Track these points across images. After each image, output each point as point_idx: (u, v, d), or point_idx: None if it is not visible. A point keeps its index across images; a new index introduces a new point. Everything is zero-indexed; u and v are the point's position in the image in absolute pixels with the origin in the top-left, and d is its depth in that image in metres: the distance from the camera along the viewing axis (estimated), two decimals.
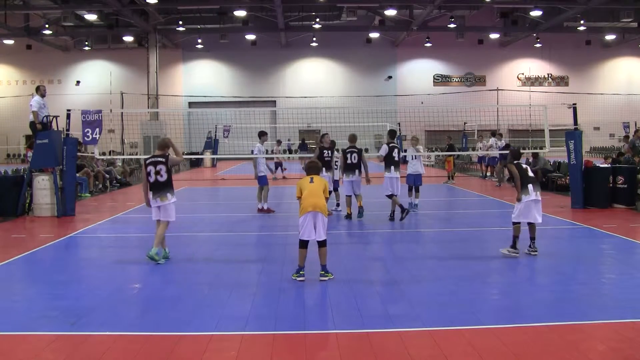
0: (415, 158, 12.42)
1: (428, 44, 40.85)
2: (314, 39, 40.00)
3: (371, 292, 6.06)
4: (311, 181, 6.61)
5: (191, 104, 41.91)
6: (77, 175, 14.56)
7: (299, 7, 35.32)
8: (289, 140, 33.04)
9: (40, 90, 12.46)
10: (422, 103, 36.76)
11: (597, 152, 36.76)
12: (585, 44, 42.38)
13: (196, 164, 32.25)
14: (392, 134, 11.59)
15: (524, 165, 7.77)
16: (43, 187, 11.98)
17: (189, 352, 4.46)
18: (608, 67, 44.88)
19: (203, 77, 43.21)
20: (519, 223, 7.59)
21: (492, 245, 7.94)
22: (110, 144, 28.21)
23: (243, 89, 42.73)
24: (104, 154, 24.03)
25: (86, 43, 40.03)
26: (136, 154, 30.86)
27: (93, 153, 18.27)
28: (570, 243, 9.12)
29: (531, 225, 7.66)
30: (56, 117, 12.56)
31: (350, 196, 11.36)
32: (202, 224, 11.61)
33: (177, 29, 37.62)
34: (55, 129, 12.55)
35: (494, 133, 21.23)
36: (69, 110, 12.67)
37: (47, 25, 35.37)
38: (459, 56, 43.41)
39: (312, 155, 13.13)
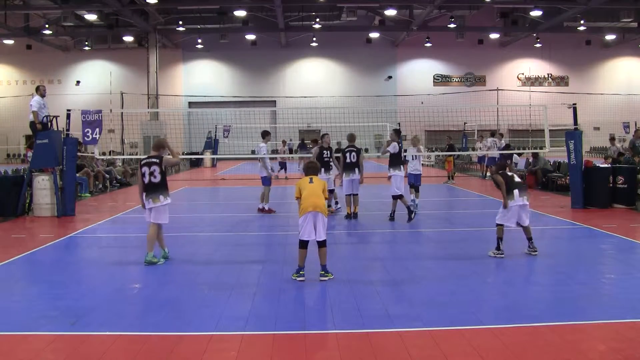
0: (416, 158, 12.44)
1: (428, 44, 40.87)
2: (314, 39, 40.02)
3: (371, 292, 6.05)
4: (310, 182, 6.62)
5: (191, 104, 41.92)
6: (77, 175, 14.56)
7: (299, 7, 35.33)
8: (290, 140, 33.08)
9: (40, 90, 12.45)
10: (422, 103, 36.77)
11: (597, 152, 36.76)
12: (585, 44, 42.44)
13: (196, 164, 32.25)
14: (398, 133, 11.62)
15: (510, 173, 7.84)
16: (43, 187, 11.98)
17: (189, 352, 4.46)
18: (608, 67, 44.90)
19: (203, 77, 43.23)
20: (502, 225, 7.63)
21: (492, 245, 7.92)
22: (110, 144, 28.23)
23: (243, 89, 42.74)
24: (104, 154, 24.05)
25: (86, 43, 40.05)
26: (136, 154, 30.85)
27: (93, 153, 18.29)
28: (570, 243, 9.12)
29: (524, 228, 7.70)
30: (56, 117, 12.56)
31: (350, 195, 11.36)
32: (202, 224, 11.60)
33: (177, 29, 37.65)
34: (55, 128, 12.54)
35: (493, 133, 21.23)
36: (69, 110, 12.67)
37: (47, 25, 35.39)
38: (459, 56, 43.43)
39: (311, 155, 13.12)
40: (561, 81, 44.80)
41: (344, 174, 11.32)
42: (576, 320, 5.12)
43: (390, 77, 43.96)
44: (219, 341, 4.69)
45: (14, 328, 5.05)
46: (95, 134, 12.65)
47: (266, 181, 12.14)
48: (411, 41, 41.42)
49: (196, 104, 41.75)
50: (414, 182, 12.48)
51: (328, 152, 11.91)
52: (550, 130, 13.48)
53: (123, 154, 28.04)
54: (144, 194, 7.45)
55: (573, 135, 12.40)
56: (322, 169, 11.43)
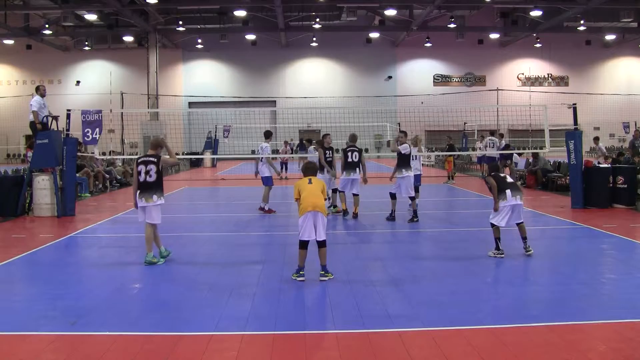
0: (416, 158, 12.44)
1: (428, 44, 40.87)
2: (314, 39, 40.02)
3: (371, 292, 6.05)
4: (310, 182, 6.61)
5: (191, 104, 41.91)
6: (77, 175, 14.56)
7: (299, 7, 35.32)
8: (291, 140, 33.11)
9: (40, 90, 12.45)
10: (422, 103, 36.77)
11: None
12: (585, 44, 42.44)
13: (196, 164, 32.25)
14: (406, 135, 11.58)
15: (502, 174, 7.87)
16: (43, 187, 11.98)
17: (189, 352, 4.46)
18: (608, 67, 44.89)
19: (203, 77, 43.23)
20: (497, 225, 7.63)
21: (492, 245, 7.93)
22: (110, 144, 28.22)
23: (243, 89, 42.74)
24: (104, 154, 24.05)
25: (86, 43, 40.05)
26: (136, 154, 30.83)
27: (93, 153, 18.30)
28: (570, 243, 9.12)
29: (519, 226, 7.71)
30: (56, 117, 12.56)
31: (344, 192, 11.36)
32: (202, 224, 11.61)
33: (177, 29, 37.64)
34: (55, 128, 12.55)
35: (493, 132, 21.23)
36: (69, 110, 12.66)
37: (47, 25, 35.38)
38: (459, 56, 43.42)
39: (310, 155, 13.11)
40: (561, 81, 44.79)
41: (345, 173, 11.32)
42: (576, 320, 5.12)
43: (390, 77, 43.95)
44: (219, 341, 4.69)
45: (14, 328, 5.05)
46: (95, 134, 12.65)
47: (268, 181, 12.15)
48: (411, 41, 41.41)
49: (196, 104, 41.74)
50: (414, 182, 12.47)
51: (330, 152, 11.91)
52: (550, 130, 13.48)
53: (123, 154, 28.05)
54: (138, 193, 7.41)
55: (573, 135, 12.41)
56: (324, 170, 11.49)
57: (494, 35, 41.31)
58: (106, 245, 9.25)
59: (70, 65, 42.98)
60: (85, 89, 40.96)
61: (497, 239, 7.66)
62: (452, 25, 36.58)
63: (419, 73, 44.08)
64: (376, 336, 4.75)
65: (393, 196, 10.95)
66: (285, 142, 25.46)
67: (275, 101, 41.85)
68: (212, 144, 32.10)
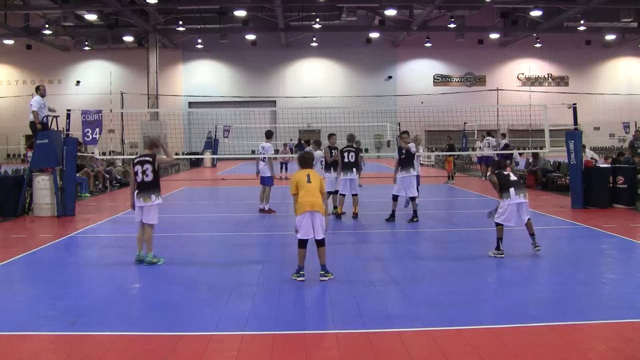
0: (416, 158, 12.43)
1: (428, 44, 40.87)
2: (314, 39, 40.02)
3: (371, 292, 6.05)
4: (308, 181, 6.50)
5: (191, 104, 41.91)
6: (77, 175, 14.56)
7: (299, 7, 35.31)
8: (290, 140, 33.13)
9: (40, 90, 12.46)
10: (422, 103, 36.77)
11: (597, 152, 36.69)
12: (585, 44, 42.44)
13: (196, 164, 32.25)
14: (408, 134, 11.54)
15: (505, 172, 7.85)
16: (43, 187, 11.98)
17: (189, 352, 4.46)
18: (608, 67, 44.88)
19: (203, 77, 43.22)
20: (502, 225, 7.62)
21: (492, 245, 7.93)
22: (110, 144, 28.23)
23: (243, 89, 42.74)
24: (104, 154, 24.05)
25: (86, 43, 40.04)
26: (136, 154, 30.81)
27: (93, 153, 18.30)
28: (570, 243, 9.12)
29: (526, 224, 7.70)
30: (56, 117, 12.56)
31: (344, 195, 11.36)
32: (202, 224, 11.61)
33: (177, 29, 37.63)
34: (55, 129, 12.55)
35: (489, 132, 21.23)
36: (69, 110, 12.66)
37: (47, 25, 35.38)
38: (459, 56, 43.42)
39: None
40: (561, 81, 44.78)
41: (342, 174, 11.32)
42: (576, 320, 5.12)
43: (390, 77, 43.95)
44: (219, 341, 4.69)
45: (14, 328, 5.05)
46: (95, 134, 12.65)
47: (269, 181, 12.15)
48: (411, 41, 41.41)
49: (196, 104, 41.73)
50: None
51: (335, 152, 11.89)
52: (550, 130, 13.48)
53: (123, 154, 28.04)
54: (135, 193, 7.41)
55: (573, 135, 12.41)
56: (332, 169, 11.48)
57: (494, 35, 41.31)
58: (106, 245, 9.25)
59: (70, 65, 42.97)
60: (85, 89, 40.96)
61: (500, 239, 7.65)
62: (452, 25, 36.58)
63: (419, 73, 44.08)
64: (376, 336, 4.75)
65: (395, 198, 10.89)
66: (285, 145, 25.47)
67: (275, 101, 41.85)
68: (212, 144, 32.11)
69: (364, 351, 4.45)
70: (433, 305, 5.59)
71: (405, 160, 10.80)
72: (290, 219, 10.99)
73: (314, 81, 43.04)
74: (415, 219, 10.73)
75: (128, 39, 38.60)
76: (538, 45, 41.60)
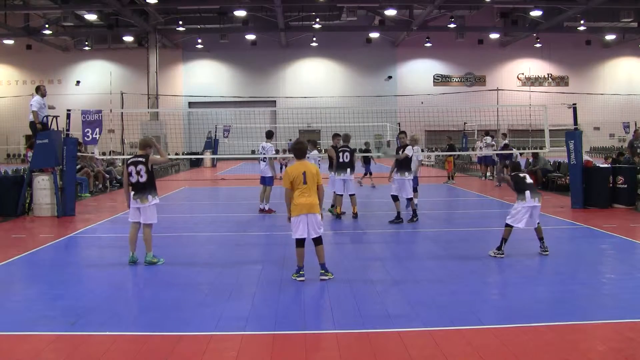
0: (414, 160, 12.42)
1: (428, 44, 40.89)
2: (314, 39, 40.03)
3: (371, 292, 6.05)
4: (304, 182, 6.40)
5: (191, 104, 41.92)
6: (77, 175, 14.56)
7: (299, 7, 35.34)
8: (290, 140, 33.20)
9: (41, 90, 12.47)
10: (422, 103, 36.77)
11: (597, 152, 36.79)
12: (585, 44, 42.45)
13: (196, 164, 32.25)
14: (406, 134, 11.51)
15: (522, 175, 7.83)
16: (43, 187, 11.98)
17: (189, 352, 4.46)
18: (608, 67, 44.89)
19: (203, 77, 43.23)
20: (512, 227, 7.61)
21: (492, 245, 7.93)
22: (110, 144, 28.25)
23: (243, 89, 42.74)
24: (104, 154, 24.05)
25: (86, 43, 40.04)
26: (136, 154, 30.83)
27: (93, 153, 18.29)
28: (570, 243, 9.12)
29: (535, 228, 7.71)
30: (56, 117, 12.56)
31: (342, 195, 11.36)
32: (203, 224, 11.60)
33: (177, 29, 37.64)
34: (55, 129, 12.55)
35: (487, 132, 21.23)
36: (69, 110, 12.66)
37: (47, 25, 35.40)
38: (459, 56, 43.42)
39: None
40: (561, 81, 44.79)
41: (336, 174, 11.32)
42: (576, 320, 5.12)
43: (390, 77, 43.95)
44: (219, 341, 4.69)
45: (14, 328, 5.04)
46: (95, 134, 12.66)
47: (269, 181, 12.16)
48: (411, 41, 41.42)
49: (196, 104, 41.75)
50: (413, 184, 12.50)
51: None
52: (550, 130, 13.48)
53: (123, 154, 28.04)
54: (132, 194, 7.40)
55: (573, 135, 12.40)
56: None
57: (494, 35, 41.32)
58: (106, 245, 9.25)
59: (70, 65, 42.98)
60: (85, 89, 40.97)
61: (504, 240, 7.63)
62: (452, 25, 36.58)
63: (419, 73, 44.08)
64: (376, 336, 4.75)
65: (395, 198, 10.82)
66: (284, 151, 25.52)
67: (275, 101, 41.85)
68: (212, 144, 32.12)
69: (364, 351, 4.45)
70: (433, 305, 5.59)
71: (402, 162, 10.76)
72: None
73: (314, 81, 43.05)
74: (415, 219, 10.73)
75: (128, 39, 38.60)
76: (538, 45, 41.61)
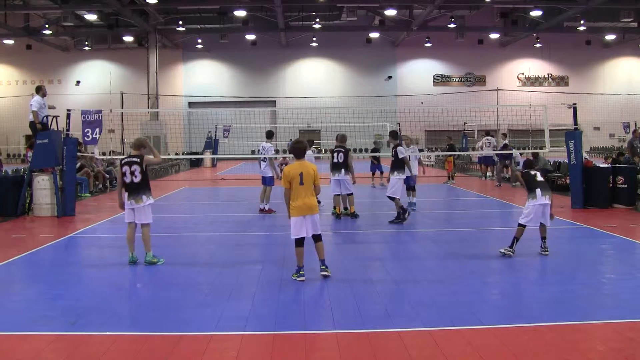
0: (410, 159, 12.41)
1: (428, 44, 40.87)
2: (314, 39, 40.01)
3: (371, 292, 6.05)
4: (301, 182, 6.43)
5: (191, 104, 41.91)
6: (77, 175, 14.56)
7: (299, 7, 35.32)
8: (290, 140, 33.25)
9: (42, 90, 12.48)
10: (422, 103, 36.75)
11: (597, 152, 36.80)
12: (585, 44, 42.43)
13: (196, 164, 32.25)
14: (396, 134, 11.49)
15: (533, 172, 7.81)
16: (43, 187, 11.98)
17: (189, 352, 4.46)
18: (608, 67, 44.87)
19: (203, 77, 43.21)
20: (524, 226, 7.60)
21: (492, 245, 7.94)
22: (110, 144, 28.25)
23: (243, 89, 42.73)
24: (104, 154, 24.05)
25: (86, 43, 40.03)
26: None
27: (93, 153, 18.29)
28: (570, 243, 9.12)
29: (541, 226, 7.70)
30: (56, 117, 12.56)
31: (339, 195, 11.35)
32: (202, 224, 11.60)
33: (177, 29, 37.63)
34: (55, 128, 12.55)
35: (488, 132, 21.23)
36: (69, 110, 12.67)
37: (47, 25, 35.38)
38: (459, 56, 43.40)
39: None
40: (561, 81, 44.77)
41: (331, 174, 11.31)
42: (576, 320, 5.12)
43: (390, 77, 43.93)
44: (219, 341, 4.69)
45: (14, 328, 5.05)
46: (95, 134, 12.66)
47: (270, 181, 12.16)
48: (411, 41, 41.40)
49: (196, 104, 41.74)
50: (411, 182, 12.51)
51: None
52: (550, 130, 13.48)
53: (123, 154, 28.04)
54: (126, 194, 7.39)
55: (573, 135, 12.41)
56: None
57: (494, 35, 41.30)
58: (106, 245, 9.25)
59: (70, 65, 42.97)
60: (85, 89, 40.95)
61: (516, 239, 7.61)
62: (452, 25, 36.56)
63: (419, 73, 44.07)
64: (376, 336, 4.75)
65: (392, 198, 10.82)
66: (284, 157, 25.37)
67: (275, 101, 41.84)
68: (212, 144, 32.12)
69: (364, 351, 4.45)
70: (433, 305, 5.59)
71: (394, 162, 10.78)
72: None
73: (313, 81, 43.04)
74: (398, 220, 10.53)
75: (128, 39, 38.59)
76: (538, 45, 41.59)
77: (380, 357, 4.33)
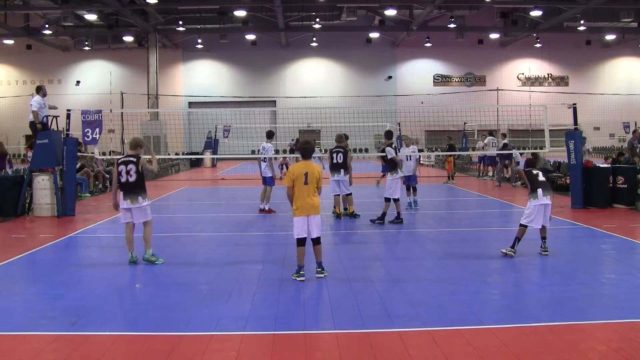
0: (410, 159, 12.42)
1: (428, 44, 40.86)
2: (314, 39, 40.01)
3: (371, 292, 6.05)
4: (305, 182, 6.45)
5: (191, 104, 41.92)
6: (77, 175, 14.55)
7: (299, 7, 35.32)
8: (292, 140, 33.19)
9: (42, 90, 12.48)
10: (422, 103, 36.76)
11: (597, 152, 36.80)
12: (585, 44, 42.43)
13: (196, 164, 32.25)
14: (390, 134, 11.46)
15: (535, 171, 7.79)
16: (43, 187, 11.98)
17: (189, 352, 4.46)
18: (608, 67, 44.88)
19: (203, 77, 43.22)
20: (526, 226, 7.59)
21: (492, 245, 7.94)
22: (110, 144, 28.24)
23: (243, 89, 42.74)
24: (104, 154, 24.05)
25: (86, 43, 40.03)
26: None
27: (93, 153, 18.29)
28: (570, 243, 9.12)
29: (541, 226, 7.69)
30: (56, 117, 12.56)
31: (338, 195, 11.35)
32: (202, 224, 11.60)
33: (177, 29, 37.63)
34: (55, 128, 12.55)
35: (491, 132, 21.23)
36: (69, 110, 12.67)
37: (47, 25, 35.37)
38: (459, 56, 43.41)
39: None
40: (561, 81, 44.78)
41: (330, 174, 11.32)
42: (576, 320, 5.12)
43: (390, 77, 43.94)
44: (219, 341, 4.69)
45: (14, 328, 5.05)
46: (95, 134, 12.66)
47: (270, 181, 12.16)
48: (411, 41, 41.40)
49: (196, 104, 41.74)
50: (409, 183, 12.49)
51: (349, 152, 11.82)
52: (550, 130, 13.48)
53: (123, 154, 28.04)
54: (122, 194, 7.38)
55: (573, 135, 12.40)
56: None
57: (494, 35, 41.30)
58: (106, 245, 9.25)
59: (70, 65, 42.97)
60: (85, 89, 40.95)
61: (518, 240, 7.59)
62: (452, 25, 36.55)
63: (419, 73, 44.07)
64: (376, 336, 4.75)
65: (387, 199, 10.69)
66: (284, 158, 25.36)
67: (275, 101, 41.85)
68: (212, 144, 32.12)
69: (364, 351, 4.45)
70: (433, 305, 5.59)
71: (386, 163, 10.79)
72: (291, 219, 10.99)
73: (313, 81, 43.04)
74: (377, 221, 10.51)
75: (128, 39, 38.59)
76: (538, 45, 41.58)
77: (380, 357, 4.33)
